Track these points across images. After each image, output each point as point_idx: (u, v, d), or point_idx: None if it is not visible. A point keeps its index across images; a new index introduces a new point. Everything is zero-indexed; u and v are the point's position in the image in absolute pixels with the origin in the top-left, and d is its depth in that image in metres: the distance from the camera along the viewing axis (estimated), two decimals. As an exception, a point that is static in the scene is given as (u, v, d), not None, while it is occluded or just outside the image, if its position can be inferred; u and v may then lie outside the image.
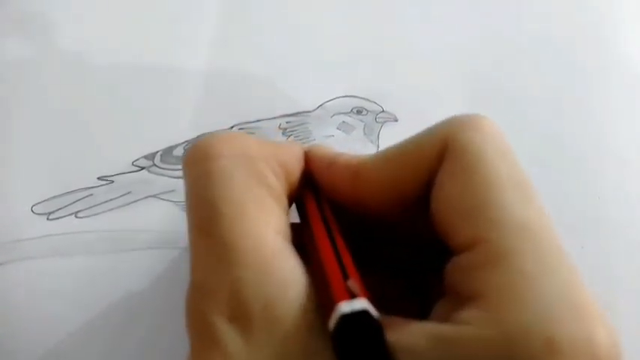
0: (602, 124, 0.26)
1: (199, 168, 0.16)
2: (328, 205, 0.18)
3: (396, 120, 0.26)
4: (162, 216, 0.24)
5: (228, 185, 0.15)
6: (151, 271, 0.23)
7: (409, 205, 0.17)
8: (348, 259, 0.14)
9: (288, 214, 0.17)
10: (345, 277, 0.14)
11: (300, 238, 0.16)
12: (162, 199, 0.24)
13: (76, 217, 0.24)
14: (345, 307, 0.12)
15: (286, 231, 0.15)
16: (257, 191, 0.15)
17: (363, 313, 0.12)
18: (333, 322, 0.13)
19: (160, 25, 0.27)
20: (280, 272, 0.14)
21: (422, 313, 0.15)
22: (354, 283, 0.13)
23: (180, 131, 0.25)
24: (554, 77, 0.27)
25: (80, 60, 0.26)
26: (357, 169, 0.17)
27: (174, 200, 0.24)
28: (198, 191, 0.15)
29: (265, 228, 0.15)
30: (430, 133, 0.16)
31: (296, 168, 0.18)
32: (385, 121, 0.26)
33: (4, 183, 0.24)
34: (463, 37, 0.28)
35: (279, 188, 0.16)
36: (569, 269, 0.13)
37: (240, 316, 0.13)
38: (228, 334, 0.13)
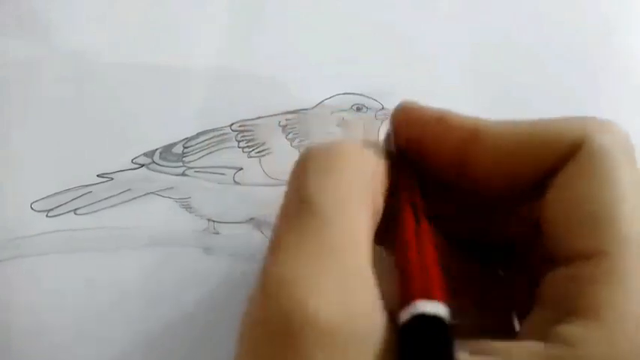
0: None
1: (313, 177, 0.14)
2: (423, 207, 0.16)
3: (396, 117, 0.26)
4: (162, 213, 0.24)
5: (340, 201, 0.14)
6: (150, 269, 0.23)
7: (515, 191, 0.15)
8: (433, 259, 0.14)
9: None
10: (427, 278, 0.13)
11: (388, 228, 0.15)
12: (161, 196, 0.24)
13: (76, 214, 0.24)
14: (423, 306, 0.12)
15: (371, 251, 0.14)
16: (365, 213, 0.14)
17: (437, 319, 0.12)
18: (404, 316, 0.12)
19: (159, 24, 0.28)
20: (370, 293, 0.13)
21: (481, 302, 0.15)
22: (436, 287, 0.13)
23: (180, 129, 0.25)
24: (557, 77, 0.27)
25: (80, 58, 0.27)
26: (476, 130, 0.15)
27: (174, 197, 0.24)
28: (309, 197, 0.14)
29: (364, 250, 0.13)
30: (568, 123, 0.15)
31: (388, 182, 0.16)
32: (385, 119, 0.26)
33: (4, 181, 0.24)
34: (463, 33, 0.28)
35: (380, 209, 0.15)
36: None
37: (326, 330, 0.12)
38: (314, 347, 0.12)
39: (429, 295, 0.12)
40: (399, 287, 0.13)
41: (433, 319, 0.12)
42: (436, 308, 0.12)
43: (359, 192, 0.14)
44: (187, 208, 0.24)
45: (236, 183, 0.24)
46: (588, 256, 0.13)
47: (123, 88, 0.26)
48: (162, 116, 0.25)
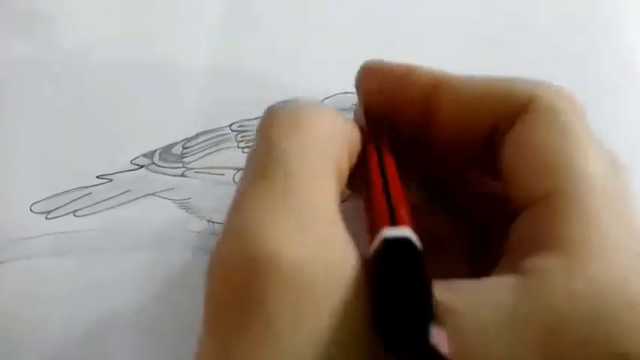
0: (608, 125, 0.26)
1: (278, 136, 0.14)
2: (389, 151, 0.17)
3: (396, 116, 0.26)
4: (162, 214, 0.24)
5: (305, 161, 0.14)
6: (150, 270, 0.23)
7: (473, 147, 0.16)
8: (398, 192, 0.14)
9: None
10: (392, 208, 0.13)
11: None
12: (161, 197, 0.24)
13: (75, 215, 0.24)
14: (389, 232, 0.12)
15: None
16: (330, 174, 0.14)
17: (406, 241, 0.12)
18: (374, 245, 0.12)
19: (159, 24, 0.27)
20: (340, 242, 0.13)
21: (470, 264, 0.15)
22: (402, 213, 0.13)
23: (180, 129, 0.25)
24: (560, 78, 0.27)
25: (80, 59, 0.27)
26: (438, 83, 0.16)
27: (174, 198, 0.24)
28: (274, 150, 0.14)
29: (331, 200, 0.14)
30: (518, 82, 0.16)
31: (359, 148, 0.16)
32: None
33: (3, 182, 0.24)
34: (464, 34, 0.28)
35: (346, 171, 0.15)
36: None
37: (286, 277, 0.12)
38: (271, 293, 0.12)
39: (394, 222, 0.13)
40: (367, 223, 0.13)
41: (401, 243, 0.12)
42: (402, 232, 0.12)
43: (323, 148, 0.14)
44: (187, 209, 0.24)
45: (236, 183, 0.24)
46: (546, 196, 0.14)
47: (122, 89, 0.26)
48: (161, 117, 0.25)
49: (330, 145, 0.15)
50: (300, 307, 0.12)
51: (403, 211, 0.13)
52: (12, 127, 0.25)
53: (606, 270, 0.12)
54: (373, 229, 0.13)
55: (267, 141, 0.14)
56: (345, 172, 0.16)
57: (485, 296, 0.12)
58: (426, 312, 0.11)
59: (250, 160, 0.15)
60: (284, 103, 0.16)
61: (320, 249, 0.12)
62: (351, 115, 0.25)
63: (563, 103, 0.15)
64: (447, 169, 0.18)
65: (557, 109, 0.15)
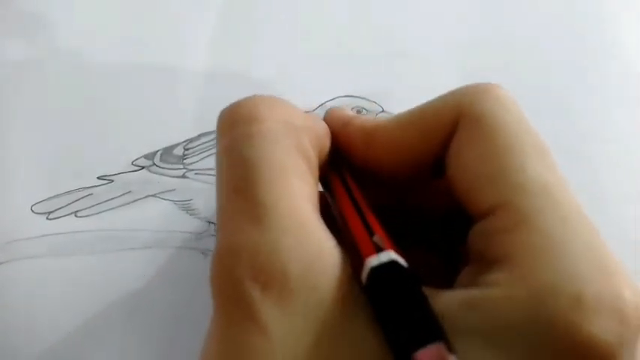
0: (603, 124, 0.26)
1: (241, 129, 0.15)
2: (353, 179, 0.17)
3: (397, 120, 0.26)
4: (162, 216, 0.24)
5: (270, 148, 0.14)
6: (150, 271, 0.23)
7: (422, 172, 0.17)
8: (371, 218, 0.14)
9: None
10: (371, 234, 0.13)
11: (325, 212, 0.16)
12: (162, 198, 0.24)
13: (76, 216, 0.24)
14: (374, 260, 0.12)
15: (317, 204, 0.15)
16: (297, 160, 0.15)
17: (392, 264, 0.12)
18: (364, 276, 0.12)
19: (160, 25, 0.27)
20: (317, 238, 0.13)
21: (450, 279, 0.15)
22: (380, 238, 0.13)
23: (180, 131, 0.25)
24: (557, 77, 0.27)
25: (80, 60, 0.26)
26: (372, 131, 0.17)
27: (174, 200, 0.24)
28: (238, 152, 0.15)
29: (302, 196, 0.14)
30: (444, 100, 0.16)
31: (327, 142, 0.17)
32: (385, 121, 0.26)
33: (4, 182, 0.24)
34: (464, 36, 0.28)
35: (315, 161, 0.16)
36: (592, 230, 0.13)
37: (276, 283, 0.12)
38: (263, 303, 0.12)
39: (374, 250, 0.13)
40: (352, 256, 0.14)
41: (388, 267, 0.12)
42: (387, 256, 0.13)
43: (284, 144, 0.15)
44: (188, 210, 0.24)
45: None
46: (493, 209, 0.14)
47: (123, 90, 0.26)
48: (163, 118, 0.25)
49: (289, 137, 0.15)
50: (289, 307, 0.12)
51: (381, 234, 0.14)
52: (13, 127, 0.25)
53: (549, 274, 0.12)
54: (359, 262, 0.13)
55: (229, 149, 0.15)
56: (315, 162, 0.16)
57: (442, 309, 0.12)
58: (432, 326, 0.12)
59: (218, 168, 0.15)
60: (237, 103, 0.16)
61: (305, 256, 0.13)
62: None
63: (489, 105, 0.15)
64: (401, 194, 0.19)
65: (485, 114, 0.15)
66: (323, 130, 0.17)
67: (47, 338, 0.22)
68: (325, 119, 0.19)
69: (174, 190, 0.24)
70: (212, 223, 0.24)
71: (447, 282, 0.15)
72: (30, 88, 0.26)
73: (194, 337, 0.22)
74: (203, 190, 0.24)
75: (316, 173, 0.16)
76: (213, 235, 0.23)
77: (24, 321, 0.22)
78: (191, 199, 0.24)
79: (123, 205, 0.24)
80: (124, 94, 0.26)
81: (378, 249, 0.13)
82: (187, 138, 0.25)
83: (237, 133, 0.15)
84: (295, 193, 0.14)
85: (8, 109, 0.25)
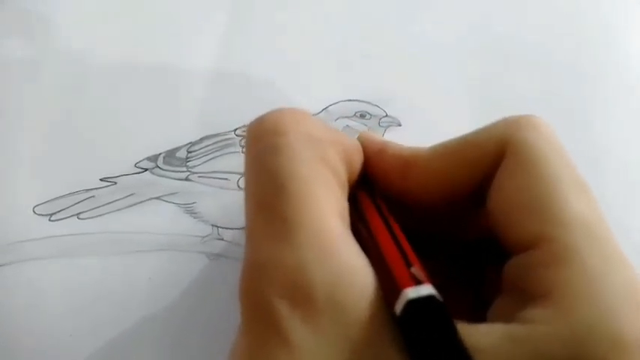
0: (604, 127, 0.27)
1: (266, 141, 0.15)
2: (383, 199, 0.17)
3: (400, 124, 0.26)
4: (165, 218, 0.24)
5: (295, 161, 0.14)
6: (155, 274, 0.22)
7: (459, 201, 0.17)
8: (408, 248, 0.14)
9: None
10: (408, 264, 0.13)
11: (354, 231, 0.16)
12: (165, 201, 0.24)
13: (79, 218, 0.23)
14: (412, 292, 0.12)
15: (347, 218, 0.15)
16: (324, 172, 0.15)
17: (430, 299, 0.12)
18: (399, 307, 0.12)
19: (163, 26, 0.27)
20: (346, 256, 0.13)
21: (475, 305, 0.15)
22: (417, 270, 0.13)
23: (184, 133, 0.25)
24: (558, 80, 0.27)
25: (82, 61, 0.26)
26: (409, 160, 0.17)
27: (177, 202, 0.24)
28: (263, 165, 0.15)
29: (330, 210, 0.14)
30: (488, 132, 0.16)
31: (357, 159, 0.17)
32: (389, 126, 0.26)
33: (6, 183, 0.24)
34: (467, 40, 0.28)
35: (343, 175, 0.16)
36: (631, 268, 0.14)
37: (305, 301, 0.12)
38: (291, 321, 0.12)
39: (412, 281, 0.13)
40: (382, 280, 0.14)
41: (425, 301, 0.12)
42: (425, 290, 0.13)
43: (312, 156, 0.15)
44: (191, 213, 0.24)
45: (240, 188, 0.24)
46: (535, 242, 0.14)
47: (126, 91, 0.26)
48: (166, 120, 0.25)
49: (314, 149, 0.15)
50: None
51: (418, 267, 0.13)
52: (14, 128, 0.25)
53: (590, 313, 0.12)
54: (393, 288, 0.13)
55: (254, 163, 0.15)
56: (343, 175, 0.16)
57: (483, 342, 0.13)
58: None
59: (245, 182, 0.15)
60: (263, 116, 0.16)
61: (335, 275, 0.13)
62: (355, 124, 0.26)
63: (533, 137, 0.15)
64: (430, 219, 0.19)
65: (532, 146, 0.15)
66: (353, 146, 0.17)
67: (49, 340, 0.21)
68: (359, 140, 0.18)
69: (177, 192, 0.24)
70: (215, 226, 0.24)
71: (467, 302, 0.15)
72: (31, 89, 0.26)
73: (199, 340, 0.22)
74: (206, 193, 0.24)
75: (345, 186, 0.16)
76: (217, 239, 0.23)
77: (26, 322, 0.22)
78: (194, 202, 0.24)
79: (126, 207, 0.24)
80: (128, 96, 0.26)
81: (417, 281, 0.13)
82: (190, 140, 0.25)
83: (261, 147, 0.15)
84: (321, 206, 0.14)
85: (9, 109, 0.25)
